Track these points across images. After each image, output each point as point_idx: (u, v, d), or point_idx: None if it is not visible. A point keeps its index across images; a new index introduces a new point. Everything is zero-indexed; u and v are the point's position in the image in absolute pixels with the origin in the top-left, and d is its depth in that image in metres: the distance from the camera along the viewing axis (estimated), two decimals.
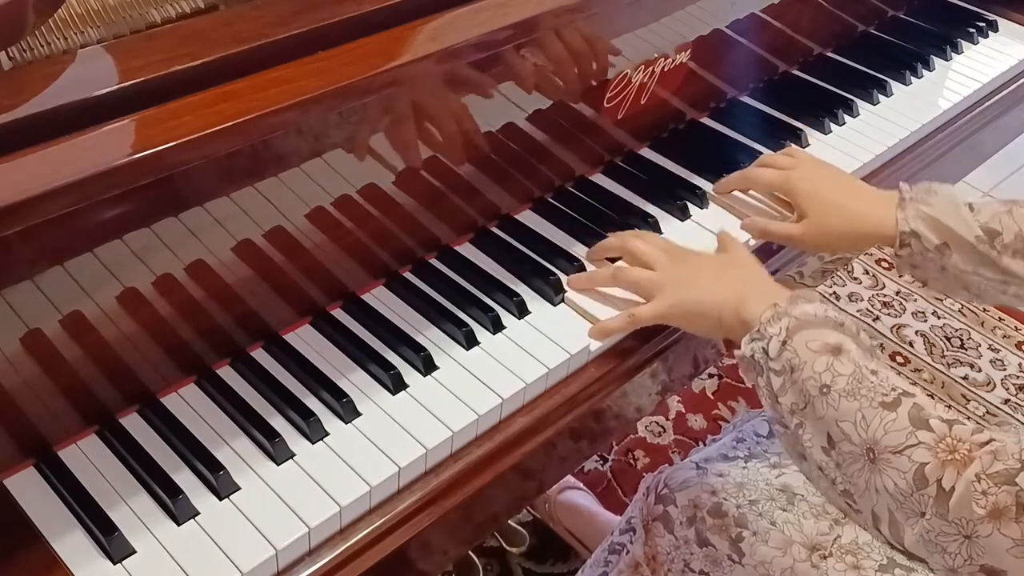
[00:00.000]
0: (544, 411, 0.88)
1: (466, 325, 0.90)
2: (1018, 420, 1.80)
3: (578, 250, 1.01)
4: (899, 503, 0.69)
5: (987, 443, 0.67)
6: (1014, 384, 1.89)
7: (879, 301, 2.04)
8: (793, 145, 1.17)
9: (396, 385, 0.85)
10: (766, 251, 1.07)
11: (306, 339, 0.88)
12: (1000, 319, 2.03)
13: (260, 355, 0.87)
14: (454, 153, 0.93)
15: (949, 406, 1.82)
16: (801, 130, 1.21)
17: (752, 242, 1.05)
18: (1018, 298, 0.95)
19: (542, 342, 0.90)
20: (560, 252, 1.00)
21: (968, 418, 1.77)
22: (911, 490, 0.68)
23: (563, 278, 0.97)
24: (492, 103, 0.93)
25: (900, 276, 2.07)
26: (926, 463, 0.68)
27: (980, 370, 1.91)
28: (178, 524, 0.74)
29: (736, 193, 1.10)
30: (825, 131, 1.23)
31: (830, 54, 1.39)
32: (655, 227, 1.04)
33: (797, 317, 0.79)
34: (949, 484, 0.66)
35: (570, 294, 0.95)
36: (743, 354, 0.81)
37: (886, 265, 2.11)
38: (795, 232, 1.01)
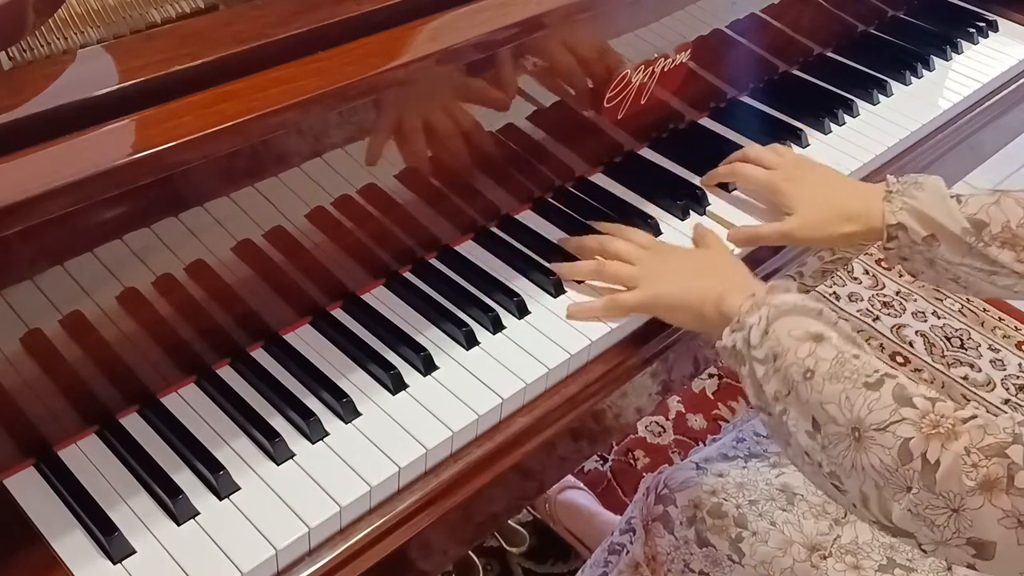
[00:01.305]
0: (544, 411, 0.88)
1: (466, 325, 0.90)
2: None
3: None
4: (885, 479, 0.70)
5: (971, 418, 0.68)
6: (1014, 384, 1.89)
7: (879, 301, 2.04)
8: (778, 145, 1.15)
9: (396, 385, 0.85)
10: (763, 252, 1.07)
11: (306, 339, 0.88)
12: (1000, 319, 2.03)
13: (260, 355, 0.87)
14: (454, 153, 0.93)
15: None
16: (801, 130, 1.21)
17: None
18: (1007, 288, 0.95)
19: (542, 342, 0.90)
20: (560, 252, 1.00)
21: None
22: (896, 465, 0.69)
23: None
24: (492, 103, 0.93)
25: (890, 268, 2.07)
26: (910, 438, 0.69)
27: (980, 370, 1.91)
28: (178, 524, 0.74)
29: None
30: (825, 131, 1.23)
31: (830, 54, 1.39)
32: (655, 227, 1.04)
33: (776, 306, 0.80)
34: (934, 457, 0.67)
35: (570, 294, 0.95)
36: (724, 345, 0.83)
37: (886, 265, 2.11)
38: (784, 228, 1.01)
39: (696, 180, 1.12)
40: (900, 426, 0.69)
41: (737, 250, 1.04)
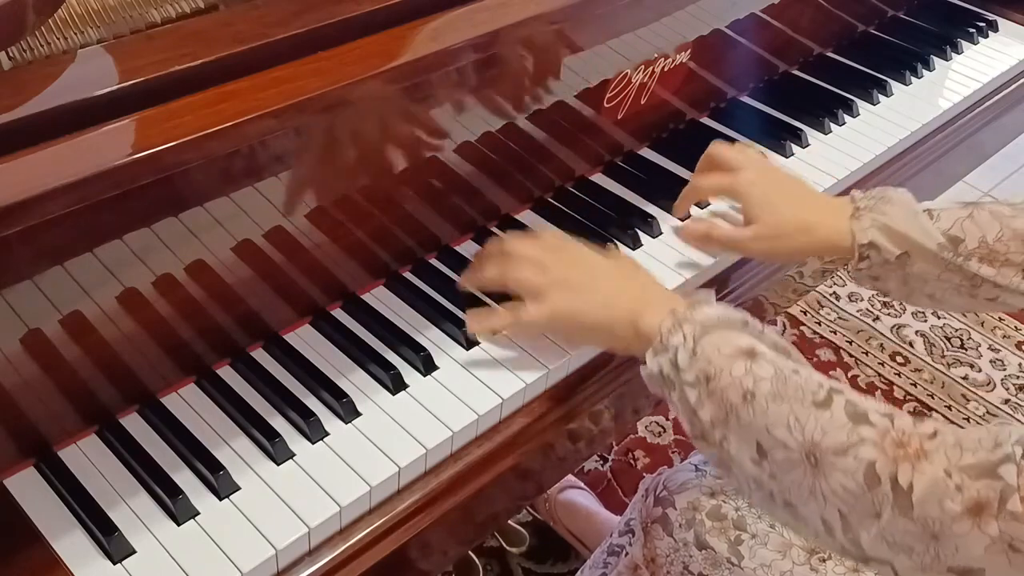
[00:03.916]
0: (544, 411, 0.88)
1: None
2: (1018, 420, 1.80)
3: None
4: (850, 505, 0.65)
5: (934, 435, 0.64)
6: (1014, 384, 1.89)
7: (879, 301, 2.04)
8: (746, 141, 1.12)
9: (396, 385, 0.85)
10: None
11: (306, 339, 0.88)
12: (1000, 319, 2.03)
13: (260, 355, 0.87)
14: (454, 153, 0.93)
15: (949, 406, 1.82)
16: (801, 130, 1.21)
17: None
18: (990, 301, 0.91)
19: (542, 342, 0.90)
20: None
21: (967, 419, 1.77)
22: (862, 491, 0.64)
23: None
24: (492, 103, 0.93)
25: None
26: (874, 460, 0.64)
27: (980, 370, 1.91)
28: (178, 524, 0.74)
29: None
30: (825, 131, 1.23)
31: (830, 54, 1.39)
32: (655, 227, 1.04)
33: (700, 322, 0.75)
34: (906, 481, 0.62)
35: None
36: (651, 371, 0.77)
37: None
38: (743, 237, 0.96)
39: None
40: (861, 448, 0.65)
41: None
